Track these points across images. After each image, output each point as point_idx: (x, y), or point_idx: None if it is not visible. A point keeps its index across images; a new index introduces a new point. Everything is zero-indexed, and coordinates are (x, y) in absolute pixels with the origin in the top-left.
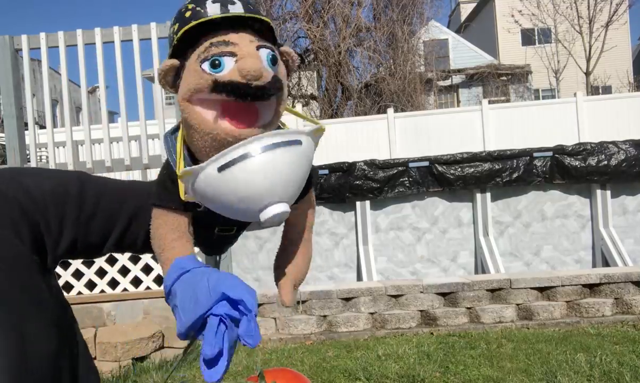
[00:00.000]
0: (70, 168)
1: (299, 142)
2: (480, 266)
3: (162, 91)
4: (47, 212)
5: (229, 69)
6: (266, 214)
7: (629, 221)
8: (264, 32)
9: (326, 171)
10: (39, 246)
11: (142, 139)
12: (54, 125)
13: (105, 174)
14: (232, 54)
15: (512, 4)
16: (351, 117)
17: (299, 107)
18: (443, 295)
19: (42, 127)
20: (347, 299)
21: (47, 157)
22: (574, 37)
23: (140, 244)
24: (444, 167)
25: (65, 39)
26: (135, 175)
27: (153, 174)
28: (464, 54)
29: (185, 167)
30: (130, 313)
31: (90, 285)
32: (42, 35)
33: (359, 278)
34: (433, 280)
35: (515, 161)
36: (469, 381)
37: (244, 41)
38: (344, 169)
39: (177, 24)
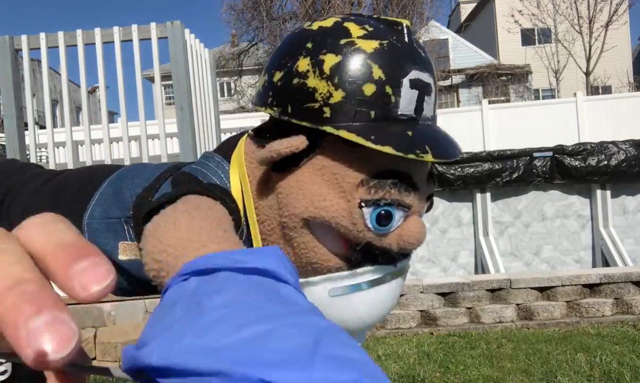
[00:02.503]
0: (70, 168)
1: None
2: (480, 266)
3: (162, 91)
4: None
5: (393, 228)
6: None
7: (629, 221)
8: None
9: None
10: None
11: (142, 140)
12: (54, 125)
13: None
14: (406, 208)
15: (512, 4)
16: None
17: None
18: (443, 295)
19: (42, 127)
20: None
21: (47, 157)
22: (574, 37)
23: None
24: (444, 167)
25: (65, 39)
26: None
27: None
28: (464, 54)
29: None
30: (130, 313)
31: None
32: (42, 35)
33: None
34: (433, 280)
35: (515, 161)
36: (469, 381)
37: (422, 188)
38: None
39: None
